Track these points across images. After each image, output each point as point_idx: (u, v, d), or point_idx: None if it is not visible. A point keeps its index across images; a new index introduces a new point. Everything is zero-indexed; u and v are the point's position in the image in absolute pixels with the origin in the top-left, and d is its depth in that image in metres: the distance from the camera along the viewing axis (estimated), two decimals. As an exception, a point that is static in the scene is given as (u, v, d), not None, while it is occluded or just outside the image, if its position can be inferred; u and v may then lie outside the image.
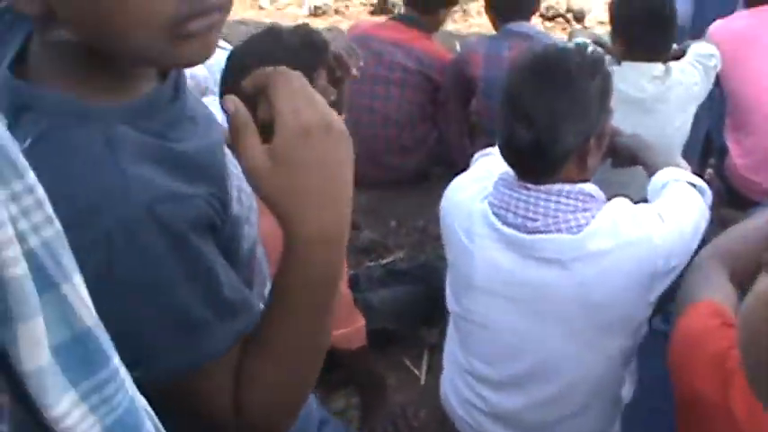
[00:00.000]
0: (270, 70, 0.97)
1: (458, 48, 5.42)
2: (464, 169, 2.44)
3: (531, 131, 1.97)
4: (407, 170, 4.40)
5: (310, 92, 0.97)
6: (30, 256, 0.63)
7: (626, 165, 2.50)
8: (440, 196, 2.34)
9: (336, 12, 8.51)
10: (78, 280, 0.68)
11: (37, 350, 0.63)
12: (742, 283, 1.74)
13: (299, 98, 0.95)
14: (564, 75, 2.00)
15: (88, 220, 0.89)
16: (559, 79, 2.00)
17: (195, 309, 0.96)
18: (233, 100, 0.94)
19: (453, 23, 7.69)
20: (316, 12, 8.52)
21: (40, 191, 0.65)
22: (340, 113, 2.31)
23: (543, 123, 1.96)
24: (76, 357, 0.67)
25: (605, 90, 2.06)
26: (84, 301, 0.68)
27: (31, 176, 0.64)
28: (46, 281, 0.65)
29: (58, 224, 0.67)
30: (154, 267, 0.92)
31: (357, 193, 3.52)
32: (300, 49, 2.19)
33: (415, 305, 3.22)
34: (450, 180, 2.35)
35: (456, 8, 7.86)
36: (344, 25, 8.00)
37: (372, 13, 8.07)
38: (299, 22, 7.83)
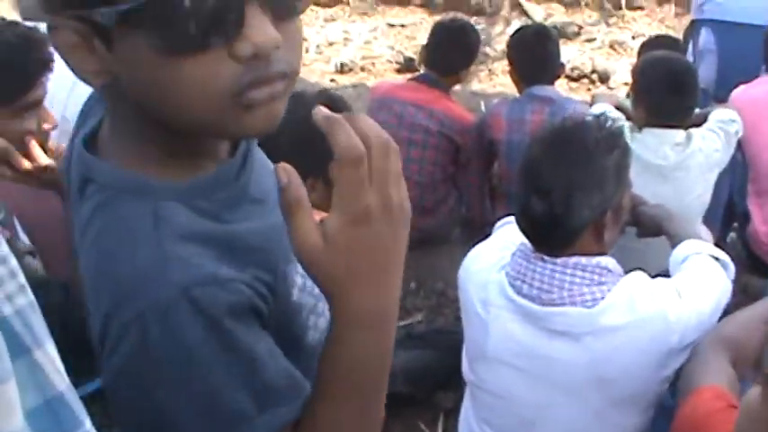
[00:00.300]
0: (346, 120, 0.89)
1: (482, 107, 5.44)
2: (486, 234, 2.44)
3: (547, 203, 1.97)
4: (428, 231, 4.36)
5: (379, 166, 0.90)
6: (2, 323, 0.64)
7: (651, 235, 2.49)
8: (460, 259, 2.34)
9: (362, 69, 8.57)
10: (50, 347, 0.69)
11: (11, 414, 0.63)
12: (743, 371, 1.73)
13: (364, 174, 0.88)
14: (581, 148, 2.00)
15: (126, 299, 0.89)
16: (576, 152, 2.00)
17: (231, 397, 0.92)
18: (286, 170, 0.87)
19: (478, 83, 7.73)
20: (342, 68, 8.59)
21: (13, 261, 0.66)
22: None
23: (558, 195, 1.96)
24: (49, 421, 0.68)
25: (623, 164, 2.06)
26: (56, 367, 0.69)
27: (4, 248, 0.65)
28: (19, 348, 0.65)
29: (30, 294, 0.68)
30: (187, 351, 0.89)
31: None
32: None
33: (432, 369, 3.21)
34: (471, 243, 2.35)
35: (481, 67, 7.93)
36: (370, 82, 8.08)
37: (398, 71, 8.11)
38: (326, 78, 8.00)
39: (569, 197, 1.96)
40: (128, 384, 0.91)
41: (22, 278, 0.67)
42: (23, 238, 2.05)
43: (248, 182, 1.05)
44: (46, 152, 1.87)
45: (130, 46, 0.86)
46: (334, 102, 2.30)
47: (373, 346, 0.95)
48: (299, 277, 1.06)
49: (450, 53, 4.37)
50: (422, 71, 4.48)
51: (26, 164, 1.80)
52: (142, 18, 0.82)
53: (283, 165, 0.87)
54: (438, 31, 4.51)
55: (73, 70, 0.91)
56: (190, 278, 0.89)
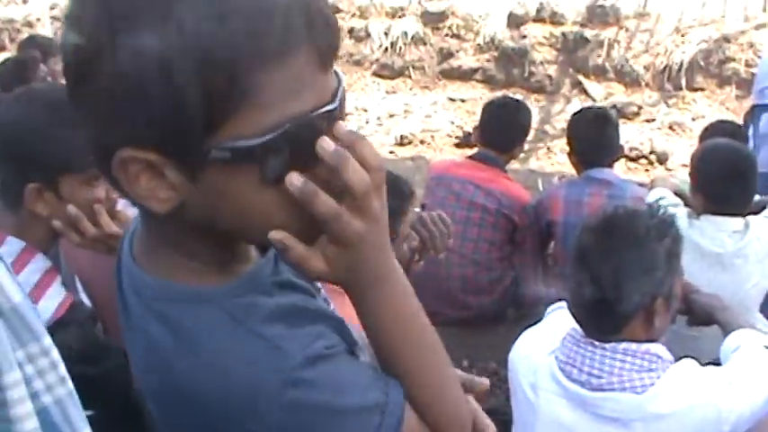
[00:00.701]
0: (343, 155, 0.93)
1: (540, 186, 5.45)
2: (539, 315, 2.46)
3: (597, 289, 2.00)
4: (482, 310, 4.38)
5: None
6: (42, 412, 0.68)
7: (702, 323, 2.49)
8: (514, 339, 2.35)
9: (422, 142, 8.64)
10: None
11: None
12: None
13: (363, 204, 0.96)
14: (632, 235, 2.03)
15: (254, 392, 0.96)
16: (627, 239, 2.03)
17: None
18: (283, 235, 0.94)
19: (536, 161, 7.76)
20: (401, 141, 8.67)
21: (54, 354, 0.70)
22: (420, 260, 2.39)
23: (608, 282, 1.98)
24: None
25: (674, 252, 2.08)
26: None
27: (47, 340, 0.69)
28: None
29: (70, 384, 0.72)
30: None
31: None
32: (387, 195, 2.25)
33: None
34: (525, 322, 2.36)
35: (540, 145, 7.96)
36: (429, 155, 8.15)
37: (457, 145, 8.17)
38: (385, 149, 8.07)
39: (619, 283, 1.98)
40: None
41: (62, 369, 0.71)
42: (84, 299, 2.10)
43: (284, 268, 1.12)
44: (113, 219, 1.92)
45: (226, 176, 0.90)
46: (395, 182, 2.33)
47: (390, 297, 1.07)
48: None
49: (504, 131, 4.44)
50: (478, 148, 4.50)
51: (94, 230, 1.87)
52: (260, 152, 0.88)
53: (275, 232, 0.93)
54: (491, 110, 4.58)
55: (134, 196, 0.94)
56: (301, 344, 0.98)
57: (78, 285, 2.12)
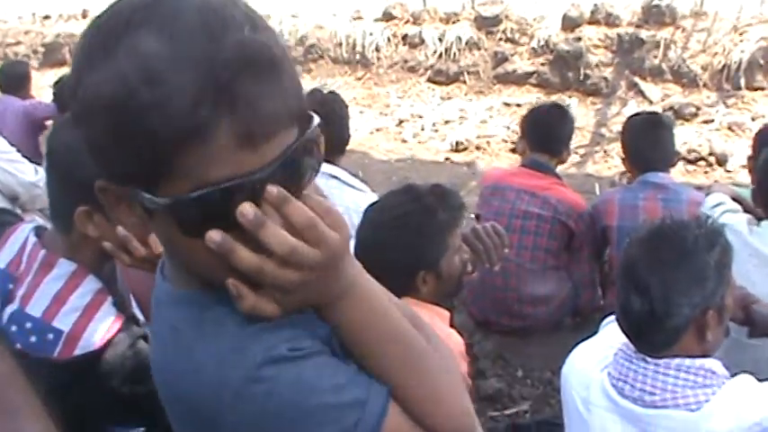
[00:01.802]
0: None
1: (596, 189, 5.41)
2: (596, 324, 2.43)
3: (646, 302, 1.96)
4: (538, 320, 4.35)
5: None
6: None
7: (764, 335, 2.43)
8: (569, 349, 2.33)
9: (477, 147, 8.63)
10: None
11: None
12: None
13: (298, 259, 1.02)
14: (680, 247, 1.98)
15: (220, 388, 1.05)
16: (675, 252, 1.98)
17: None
18: (235, 284, 1.02)
19: (593, 164, 7.70)
20: (457, 147, 8.67)
21: None
22: (473, 272, 2.38)
23: (657, 295, 1.94)
24: None
25: (724, 262, 2.02)
26: None
27: None
28: None
29: None
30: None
31: (485, 338, 3.55)
32: (438, 208, 2.26)
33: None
34: (582, 332, 2.33)
35: (597, 149, 7.90)
36: (483, 162, 8.12)
37: (513, 150, 8.13)
38: (440, 155, 8.08)
39: (668, 296, 1.94)
40: None
41: None
42: (138, 314, 2.13)
43: None
44: (161, 240, 1.96)
45: (164, 223, 1.01)
46: (446, 195, 2.34)
47: (359, 306, 1.11)
48: None
49: (551, 135, 4.45)
50: (529, 155, 4.48)
51: (143, 251, 1.89)
52: (171, 210, 0.98)
53: (230, 280, 1.02)
54: (533, 118, 4.58)
55: (114, 219, 1.10)
56: (264, 347, 1.06)
57: (134, 303, 2.15)
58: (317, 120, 1.05)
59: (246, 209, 0.95)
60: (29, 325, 1.87)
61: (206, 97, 0.91)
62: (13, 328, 1.88)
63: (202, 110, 0.91)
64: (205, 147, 0.93)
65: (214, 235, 0.97)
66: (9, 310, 1.91)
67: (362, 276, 1.14)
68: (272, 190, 0.96)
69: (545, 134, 4.43)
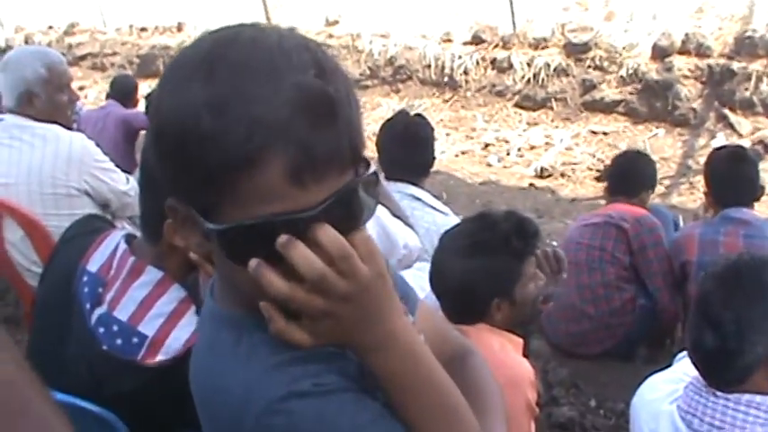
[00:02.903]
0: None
1: (680, 221, 5.37)
2: (671, 358, 2.43)
3: (719, 337, 1.96)
4: (612, 348, 4.34)
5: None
6: None
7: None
8: (643, 380, 2.34)
9: (562, 174, 8.59)
10: None
11: None
12: None
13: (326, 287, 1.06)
14: (755, 284, 1.99)
15: (241, 412, 1.10)
16: (750, 289, 1.98)
17: None
18: (268, 308, 1.07)
19: (678, 196, 7.61)
20: (542, 173, 8.64)
21: None
22: (549, 301, 2.41)
23: (730, 331, 1.95)
24: None
25: (800, 304, 2.02)
26: None
27: None
28: None
29: None
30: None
31: (559, 365, 3.54)
32: (512, 236, 2.28)
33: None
34: (656, 364, 2.33)
35: (682, 180, 7.80)
36: (569, 189, 8.08)
37: (597, 179, 8.08)
38: (525, 181, 8.05)
39: (741, 333, 1.94)
40: None
41: None
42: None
43: None
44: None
45: (215, 244, 1.08)
46: (521, 222, 2.36)
47: (391, 364, 1.13)
48: None
49: (627, 180, 4.56)
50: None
51: (210, 270, 1.97)
52: (219, 235, 1.05)
53: (263, 303, 1.06)
54: (615, 161, 4.76)
55: (179, 237, 1.16)
56: (289, 380, 1.10)
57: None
58: (374, 166, 1.10)
59: (283, 238, 1.00)
60: (116, 328, 1.95)
61: (259, 131, 0.97)
62: (101, 329, 1.96)
63: (254, 142, 0.97)
64: (255, 179, 0.98)
65: (252, 262, 1.02)
66: (98, 312, 2.00)
67: (407, 331, 1.16)
68: (319, 229, 1.01)
69: (619, 179, 4.63)
